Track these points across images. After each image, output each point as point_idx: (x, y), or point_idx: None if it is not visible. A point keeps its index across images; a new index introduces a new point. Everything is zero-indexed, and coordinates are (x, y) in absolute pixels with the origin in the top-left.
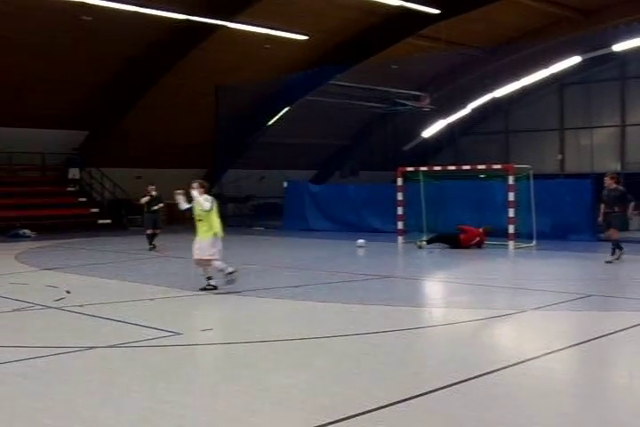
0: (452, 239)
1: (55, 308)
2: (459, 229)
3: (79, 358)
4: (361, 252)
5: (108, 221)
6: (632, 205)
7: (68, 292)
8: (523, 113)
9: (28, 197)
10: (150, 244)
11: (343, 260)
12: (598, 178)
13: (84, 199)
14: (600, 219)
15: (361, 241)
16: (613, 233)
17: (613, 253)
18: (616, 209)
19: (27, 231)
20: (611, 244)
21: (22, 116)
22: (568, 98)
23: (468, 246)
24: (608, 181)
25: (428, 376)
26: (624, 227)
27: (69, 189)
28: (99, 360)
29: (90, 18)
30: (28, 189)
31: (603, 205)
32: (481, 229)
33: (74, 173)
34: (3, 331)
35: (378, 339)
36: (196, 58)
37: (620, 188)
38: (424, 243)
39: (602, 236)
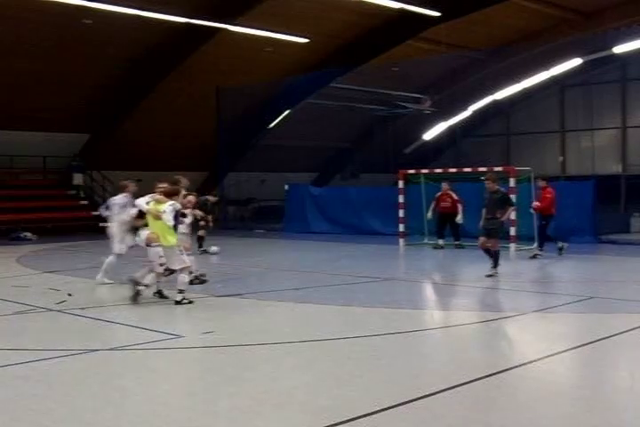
0: (444, 218)
1: (57, 311)
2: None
3: (81, 360)
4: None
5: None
6: (512, 209)
7: (70, 295)
8: (524, 115)
9: (30, 200)
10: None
11: (344, 262)
12: (600, 180)
13: (85, 202)
14: (481, 224)
15: (214, 248)
16: (494, 243)
17: (495, 266)
18: (498, 215)
19: (28, 234)
20: (488, 254)
21: (23, 120)
22: (569, 100)
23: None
24: (489, 184)
25: (429, 379)
26: (503, 235)
27: (73, 194)
28: (100, 363)
29: (90, 21)
30: (29, 192)
31: (484, 210)
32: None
33: (78, 179)
34: (4, 334)
35: (379, 341)
36: (197, 61)
37: (502, 190)
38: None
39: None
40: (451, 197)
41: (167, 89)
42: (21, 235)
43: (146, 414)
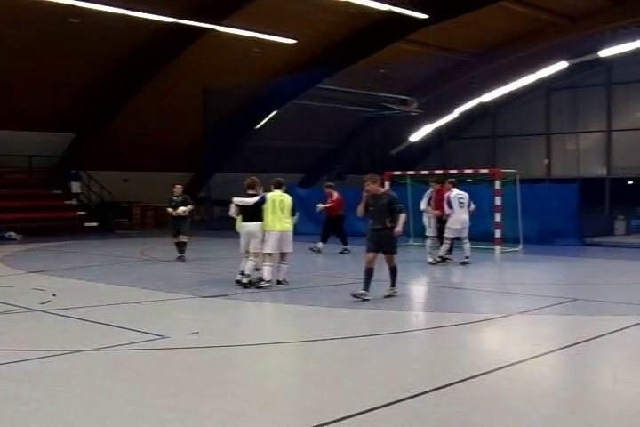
0: (331, 222)
1: (41, 311)
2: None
3: (65, 361)
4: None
5: (95, 224)
6: (404, 216)
7: (55, 295)
8: (510, 118)
9: (15, 199)
10: (179, 252)
11: (330, 263)
12: (585, 183)
13: (70, 202)
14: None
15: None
16: (389, 259)
17: (393, 285)
18: (387, 224)
19: (13, 234)
20: (389, 273)
21: (9, 119)
22: (555, 103)
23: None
24: (371, 186)
25: (414, 380)
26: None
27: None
28: (85, 363)
29: (77, 20)
30: (14, 192)
31: (370, 220)
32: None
33: (76, 187)
34: None
35: (364, 343)
36: (185, 61)
37: (391, 193)
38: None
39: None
40: (332, 198)
41: (154, 89)
42: (6, 235)
43: (130, 415)
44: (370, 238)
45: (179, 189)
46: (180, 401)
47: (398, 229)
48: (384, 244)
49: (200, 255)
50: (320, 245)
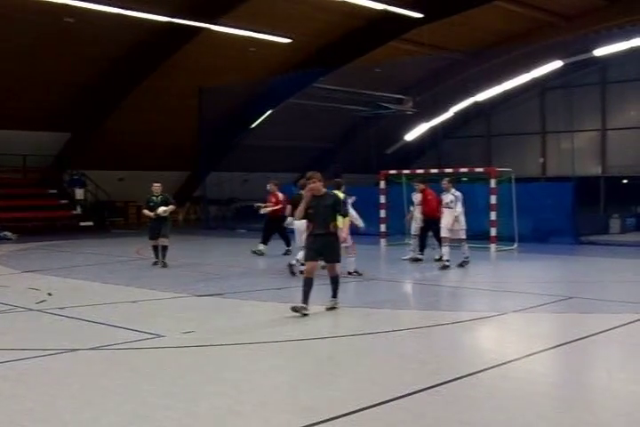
0: (273, 222)
1: (37, 310)
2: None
3: (61, 360)
4: None
5: (90, 223)
6: (349, 220)
7: (50, 294)
8: (505, 117)
9: (10, 198)
10: (156, 257)
11: None
12: (580, 181)
13: (65, 201)
14: (306, 241)
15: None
16: (331, 268)
17: (335, 296)
18: (332, 229)
19: (8, 233)
20: (330, 282)
21: (4, 118)
22: (550, 102)
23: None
24: (317, 184)
25: (409, 378)
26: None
27: (54, 193)
28: (80, 363)
29: (72, 19)
30: (9, 191)
31: (310, 224)
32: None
33: (80, 194)
34: None
35: (359, 341)
36: (180, 60)
37: (334, 193)
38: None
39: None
40: (276, 198)
41: (149, 88)
42: (1, 234)
43: (126, 414)
44: (310, 246)
45: (157, 187)
46: (176, 400)
47: (344, 235)
48: (327, 251)
49: (195, 254)
50: (262, 247)
